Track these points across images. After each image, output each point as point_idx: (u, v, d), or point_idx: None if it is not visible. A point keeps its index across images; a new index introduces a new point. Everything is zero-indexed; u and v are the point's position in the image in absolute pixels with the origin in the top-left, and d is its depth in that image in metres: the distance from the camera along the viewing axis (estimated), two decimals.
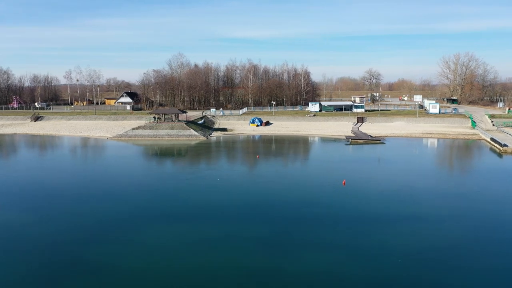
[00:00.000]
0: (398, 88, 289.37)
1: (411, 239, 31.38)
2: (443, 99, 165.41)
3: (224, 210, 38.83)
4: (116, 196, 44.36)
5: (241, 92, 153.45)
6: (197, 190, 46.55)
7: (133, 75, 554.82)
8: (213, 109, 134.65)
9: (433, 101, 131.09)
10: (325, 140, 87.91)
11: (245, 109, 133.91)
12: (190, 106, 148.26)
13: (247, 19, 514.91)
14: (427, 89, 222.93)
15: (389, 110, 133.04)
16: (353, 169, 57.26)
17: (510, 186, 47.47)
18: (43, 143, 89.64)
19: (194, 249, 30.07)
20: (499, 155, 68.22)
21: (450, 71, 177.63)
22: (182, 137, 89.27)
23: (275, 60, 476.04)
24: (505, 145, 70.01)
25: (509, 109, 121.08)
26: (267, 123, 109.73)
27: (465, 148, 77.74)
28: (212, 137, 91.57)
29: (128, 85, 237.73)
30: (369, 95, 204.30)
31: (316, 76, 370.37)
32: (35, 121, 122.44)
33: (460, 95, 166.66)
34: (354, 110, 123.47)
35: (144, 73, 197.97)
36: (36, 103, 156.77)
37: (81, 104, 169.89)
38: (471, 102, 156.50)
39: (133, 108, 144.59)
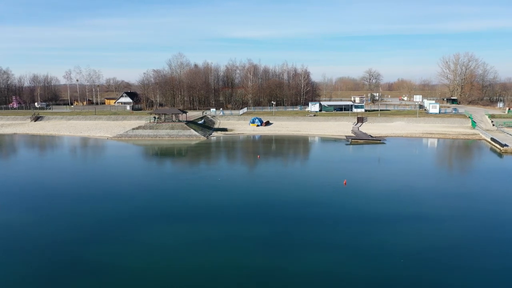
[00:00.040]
0: (398, 88, 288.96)
1: (411, 239, 31.40)
2: (443, 99, 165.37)
3: (224, 210, 38.84)
4: (116, 196, 44.35)
5: (241, 92, 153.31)
6: (197, 190, 46.55)
7: (133, 75, 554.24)
8: (213, 109, 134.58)
9: (433, 101, 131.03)
10: (325, 140, 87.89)
11: (245, 109, 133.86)
12: (190, 106, 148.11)
13: (247, 19, 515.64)
14: (427, 89, 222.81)
15: (389, 110, 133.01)
16: (353, 169, 57.26)
17: (510, 186, 47.48)
18: (43, 143, 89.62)
19: (194, 249, 30.07)
20: (499, 155, 68.25)
21: (450, 71, 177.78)
22: (182, 137, 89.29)
23: (275, 60, 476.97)
24: (506, 145, 70.04)
25: (509, 109, 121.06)
26: (267, 123, 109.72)
27: (465, 148, 77.74)
28: (212, 137, 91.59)
29: (128, 85, 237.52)
30: (369, 95, 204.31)
31: (316, 76, 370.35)
32: (35, 121, 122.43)
33: (460, 95, 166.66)
34: (354, 110, 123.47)
35: (144, 73, 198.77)
36: (36, 103, 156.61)
37: (81, 104, 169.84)
38: (471, 102, 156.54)
39: (133, 108, 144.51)
